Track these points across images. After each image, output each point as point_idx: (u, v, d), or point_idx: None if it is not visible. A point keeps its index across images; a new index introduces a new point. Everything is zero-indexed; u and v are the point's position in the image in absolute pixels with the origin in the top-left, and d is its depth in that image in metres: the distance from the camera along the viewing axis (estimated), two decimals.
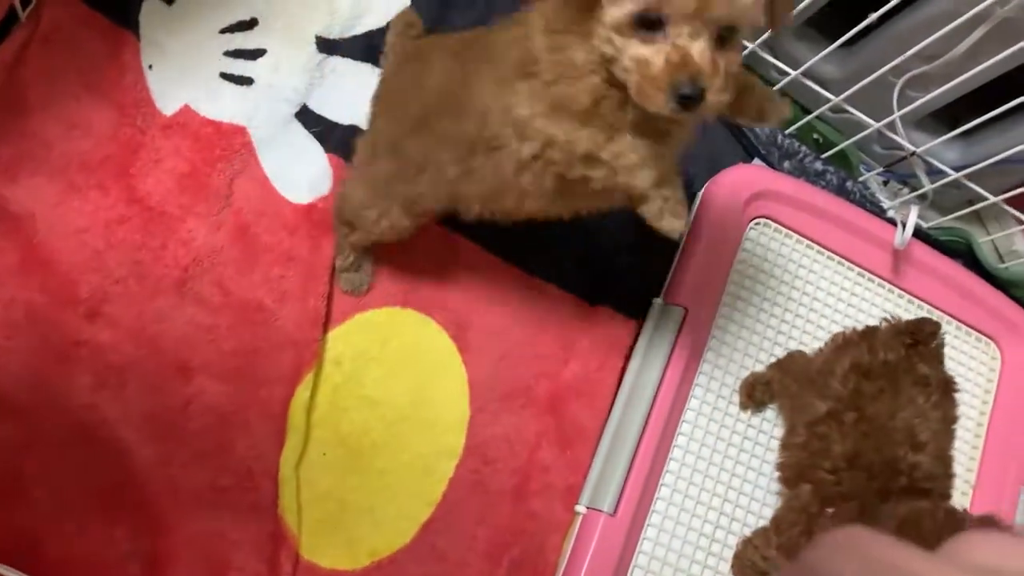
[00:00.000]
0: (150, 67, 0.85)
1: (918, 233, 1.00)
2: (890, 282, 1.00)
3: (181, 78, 0.86)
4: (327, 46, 0.91)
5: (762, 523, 0.87)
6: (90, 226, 0.80)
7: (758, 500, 0.89)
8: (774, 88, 1.02)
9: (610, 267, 0.95)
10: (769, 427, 0.92)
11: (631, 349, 0.93)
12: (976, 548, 0.25)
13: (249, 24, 0.90)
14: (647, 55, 0.56)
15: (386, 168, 0.76)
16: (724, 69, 0.57)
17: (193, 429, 0.78)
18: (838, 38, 0.93)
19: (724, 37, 0.56)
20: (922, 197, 1.06)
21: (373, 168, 0.78)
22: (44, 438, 0.75)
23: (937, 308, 1.01)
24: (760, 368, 0.93)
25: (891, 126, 0.99)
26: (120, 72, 0.84)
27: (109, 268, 0.79)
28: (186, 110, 0.85)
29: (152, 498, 0.75)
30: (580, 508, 0.86)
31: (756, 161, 1.03)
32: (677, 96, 0.55)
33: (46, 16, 0.83)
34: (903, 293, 1.01)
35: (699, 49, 0.55)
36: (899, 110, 0.97)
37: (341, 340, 0.85)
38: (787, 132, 1.05)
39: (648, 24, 0.55)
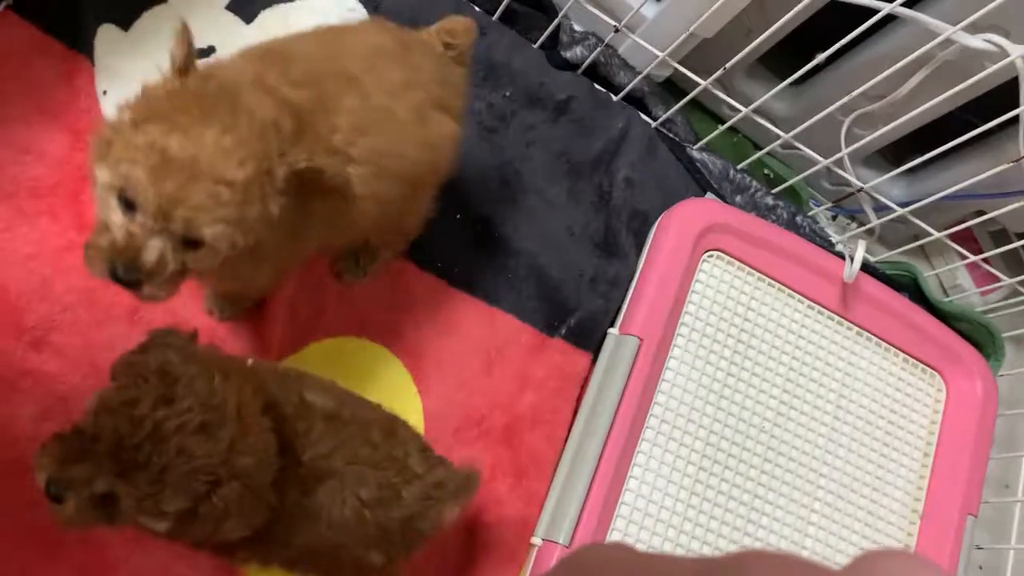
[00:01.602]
0: (104, 92, 0.84)
1: (866, 267, 1.03)
2: (839, 314, 1.03)
3: None
4: None
5: (717, 553, 0.88)
6: (38, 253, 0.78)
7: (713, 531, 0.90)
8: (725, 124, 1.04)
9: (566, 298, 0.96)
10: (724, 456, 0.93)
11: (587, 379, 0.94)
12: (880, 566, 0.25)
13: (206, 52, 0.89)
14: (113, 222, 0.57)
15: None
16: (174, 269, 0.58)
17: None
18: (788, 76, 0.96)
19: (191, 244, 0.57)
20: (869, 232, 1.09)
21: None
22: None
23: (884, 340, 1.04)
24: (714, 396, 0.94)
25: (839, 163, 1.01)
26: (73, 96, 0.83)
27: (57, 295, 0.77)
28: None
29: (97, 534, 0.73)
30: (536, 540, 0.86)
31: (709, 195, 1.05)
32: (111, 272, 0.57)
33: None
34: (851, 325, 1.03)
35: (154, 245, 0.56)
36: (847, 147, 1.00)
37: (295, 368, 0.84)
38: (739, 167, 1.08)
39: (126, 202, 0.56)
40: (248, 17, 0.93)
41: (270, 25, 0.93)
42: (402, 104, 0.68)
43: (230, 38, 0.91)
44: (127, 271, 0.56)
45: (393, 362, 0.89)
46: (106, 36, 0.86)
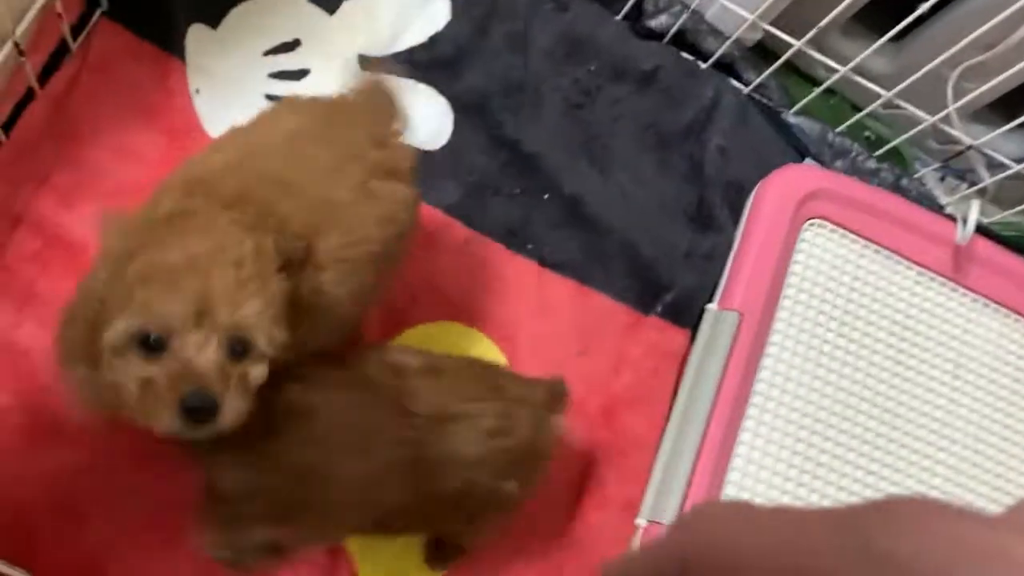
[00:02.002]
0: (197, 91, 0.86)
1: (979, 229, 0.97)
2: (953, 280, 0.97)
3: (228, 101, 0.87)
4: (369, 63, 0.91)
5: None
6: None
7: (827, 503, 0.86)
8: (821, 86, 1.00)
9: (660, 275, 0.93)
10: (834, 432, 0.89)
11: (685, 358, 0.91)
12: None
13: (292, 45, 0.91)
14: (150, 372, 0.51)
15: None
16: (239, 379, 0.52)
17: None
18: (887, 32, 0.91)
19: (237, 351, 0.52)
20: (982, 192, 1.03)
21: None
22: (102, 462, 0.75)
23: (1003, 305, 0.98)
24: (821, 370, 0.90)
25: (947, 119, 0.96)
26: (168, 97, 0.85)
27: None
28: None
29: None
30: (640, 521, 0.84)
31: (807, 161, 1.01)
32: (183, 410, 0.50)
33: (95, 46, 0.84)
34: (967, 291, 0.97)
35: (206, 358, 0.50)
36: (955, 102, 0.94)
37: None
38: (838, 131, 1.03)
39: (150, 345, 0.50)
40: (331, 8, 0.93)
41: (352, 15, 0.93)
42: (341, 188, 0.63)
43: (314, 31, 0.92)
44: (198, 396, 0.50)
45: (488, 346, 0.88)
46: (196, 36, 0.88)
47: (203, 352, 0.50)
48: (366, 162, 0.65)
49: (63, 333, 0.60)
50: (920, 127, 0.99)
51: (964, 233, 0.95)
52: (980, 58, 0.91)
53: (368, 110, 0.70)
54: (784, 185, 0.94)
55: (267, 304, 0.52)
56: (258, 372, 0.54)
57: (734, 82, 1.02)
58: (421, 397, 0.65)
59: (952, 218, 0.98)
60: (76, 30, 0.83)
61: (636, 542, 0.83)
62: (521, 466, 0.70)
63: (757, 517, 0.25)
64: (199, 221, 0.54)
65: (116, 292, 0.51)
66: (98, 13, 0.85)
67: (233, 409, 0.51)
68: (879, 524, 0.22)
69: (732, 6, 0.97)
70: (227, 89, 0.87)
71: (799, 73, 1.07)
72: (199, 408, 0.50)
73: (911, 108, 0.97)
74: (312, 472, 0.57)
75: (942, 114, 0.95)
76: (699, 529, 0.26)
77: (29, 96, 0.81)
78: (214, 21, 0.89)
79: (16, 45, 0.74)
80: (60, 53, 0.83)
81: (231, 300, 0.51)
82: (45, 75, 0.82)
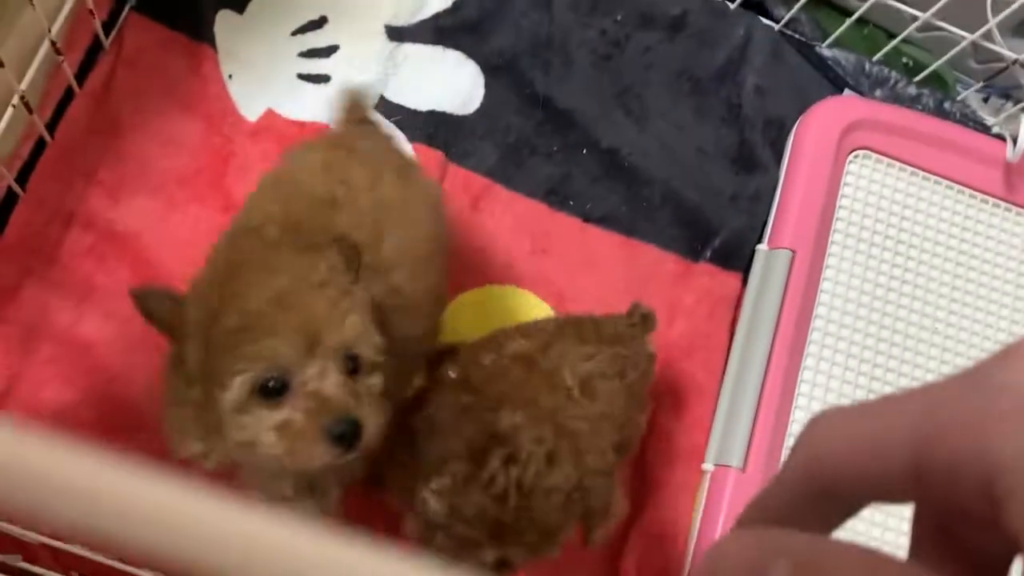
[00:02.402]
0: (230, 76, 0.87)
1: None
2: (1007, 200, 0.95)
3: (261, 84, 0.87)
4: (397, 34, 0.91)
5: None
6: (193, 237, 0.81)
7: None
8: (854, 16, 0.98)
9: (707, 220, 0.92)
10: (896, 363, 0.88)
11: (739, 301, 0.91)
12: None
13: (319, 23, 0.91)
14: (283, 416, 0.50)
15: None
16: (367, 394, 0.52)
17: None
18: None
19: (352, 368, 0.52)
20: None
21: None
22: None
23: None
24: (878, 302, 0.89)
25: (987, 36, 0.93)
26: (203, 85, 0.86)
27: None
28: (269, 114, 0.86)
29: None
30: (707, 466, 0.84)
31: (846, 92, 0.99)
32: (331, 440, 0.50)
33: (128, 41, 0.85)
34: (1021, 210, 0.95)
35: (332, 384, 0.50)
36: (995, 17, 0.91)
37: (446, 322, 0.85)
38: (874, 60, 1.01)
39: (270, 391, 0.50)
40: None
41: None
42: (385, 192, 0.65)
43: (339, 6, 0.92)
44: (341, 423, 0.50)
45: (540, 305, 0.88)
46: (224, 22, 0.89)
47: (326, 379, 0.50)
48: (394, 167, 0.67)
49: (170, 424, 0.58)
50: (960, 47, 0.96)
51: (1015, 151, 0.93)
52: None
53: (369, 131, 0.74)
54: (825, 118, 0.93)
55: (362, 315, 0.53)
56: (375, 382, 0.54)
57: (764, 20, 1.00)
58: (560, 373, 0.65)
59: (1000, 137, 0.96)
60: (107, 27, 0.84)
61: (704, 487, 0.83)
62: (638, 399, 0.74)
63: (871, 406, 0.24)
64: (265, 260, 0.54)
65: (215, 357, 0.51)
66: (127, 8, 0.86)
67: (374, 424, 0.52)
68: (998, 362, 0.22)
69: None
70: (259, 72, 0.88)
71: (830, 5, 1.04)
72: (345, 433, 0.50)
73: (949, 28, 0.95)
74: (519, 487, 0.56)
75: (983, 30, 0.92)
76: (818, 439, 0.25)
77: (69, 95, 0.82)
78: (240, 6, 0.90)
79: (53, 44, 0.75)
80: (94, 51, 0.84)
81: (331, 322, 0.51)
82: (82, 73, 0.83)
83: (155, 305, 0.53)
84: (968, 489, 0.20)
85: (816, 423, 0.25)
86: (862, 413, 0.24)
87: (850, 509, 0.24)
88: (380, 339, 0.54)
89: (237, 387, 0.50)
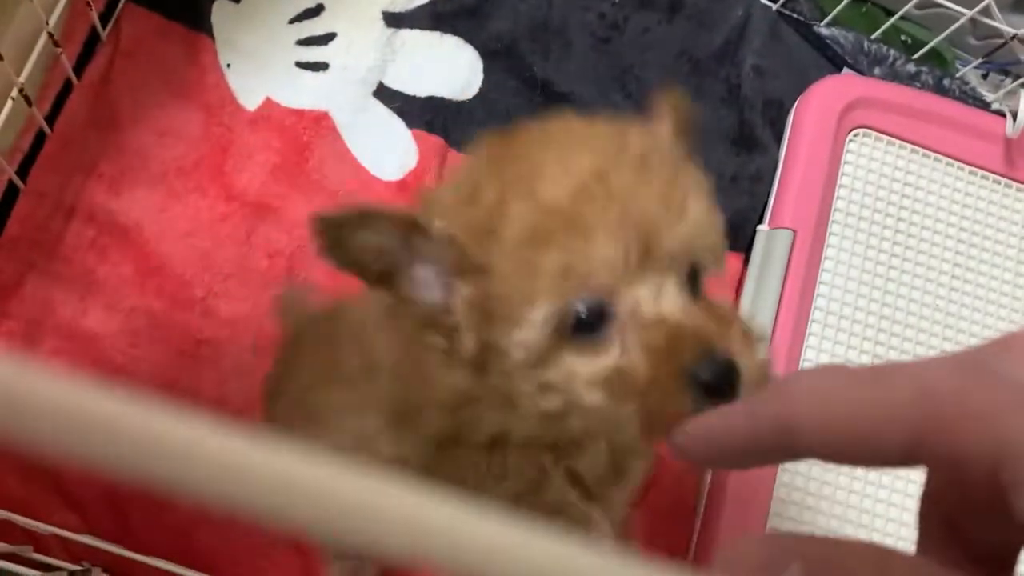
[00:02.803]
0: (228, 66, 0.87)
1: None
2: (1007, 176, 0.95)
3: (259, 72, 0.87)
4: (394, 20, 0.91)
5: None
6: (195, 228, 0.81)
7: None
8: None
9: None
10: (899, 341, 0.88)
11: (742, 281, 0.91)
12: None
13: (316, 11, 0.90)
14: (615, 362, 0.34)
15: None
16: (726, 318, 0.35)
17: None
18: None
19: (693, 285, 0.36)
20: None
21: None
22: None
23: None
24: (880, 280, 0.89)
25: (986, 11, 0.93)
26: (201, 75, 0.85)
27: (219, 266, 0.81)
28: (268, 103, 0.86)
29: None
30: None
31: (845, 71, 0.99)
32: (702, 388, 0.32)
33: (125, 32, 0.85)
34: (1022, 185, 0.95)
35: (678, 308, 0.34)
36: None
37: None
38: (872, 38, 1.01)
39: (584, 326, 0.33)
40: None
41: None
42: None
43: None
44: (711, 364, 0.32)
45: None
46: (221, 11, 0.88)
47: (668, 301, 0.34)
48: None
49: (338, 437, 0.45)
50: (958, 23, 0.96)
51: (1015, 127, 0.92)
52: None
53: None
54: (824, 97, 0.93)
55: (705, 200, 0.36)
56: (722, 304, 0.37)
57: (762, 0, 1.00)
58: None
59: (1000, 114, 0.96)
60: (104, 18, 0.84)
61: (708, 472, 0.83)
62: None
63: (862, 372, 0.24)
64: (556, 132, 0.37)
65: (494, 284, 0.34)
66: (123, 0, 0.85)
67: (755, 364, 0.34)
68: (999, 352, 0.22)
69: None
70: (257, 61, 0.87)
71: None
72: (720, 380, 0.32)
73: (947, 4, 0.95)
74: None
75: (980, 6, 0.92)
76: (799, 392, 0.25)
77: (67, 87, 0.82)
78: None
79: (51, 36, 0.74)
80: (92, 42, 0.84)
81: (667, 215, 0.34)
82: (80, 65, 0.83)
83: (372, 237, 0.34)
84: (975, 479, 0.20)
85: (797, 380, 0.25)
86: (852, 381, 0.24)
87: (804, 457, 0.24)
88: (721, 237, 0.38)
89: (535, 326, 0.33)
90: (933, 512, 0.25)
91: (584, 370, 0.34)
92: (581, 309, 0.33)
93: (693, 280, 0.36)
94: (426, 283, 0.35)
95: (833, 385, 0.24)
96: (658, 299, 0.34)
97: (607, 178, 0.33)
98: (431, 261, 0.35)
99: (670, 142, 0.40)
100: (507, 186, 0.34)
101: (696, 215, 0.35)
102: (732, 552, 0.23)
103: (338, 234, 0.33)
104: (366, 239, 0.34)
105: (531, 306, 0.33)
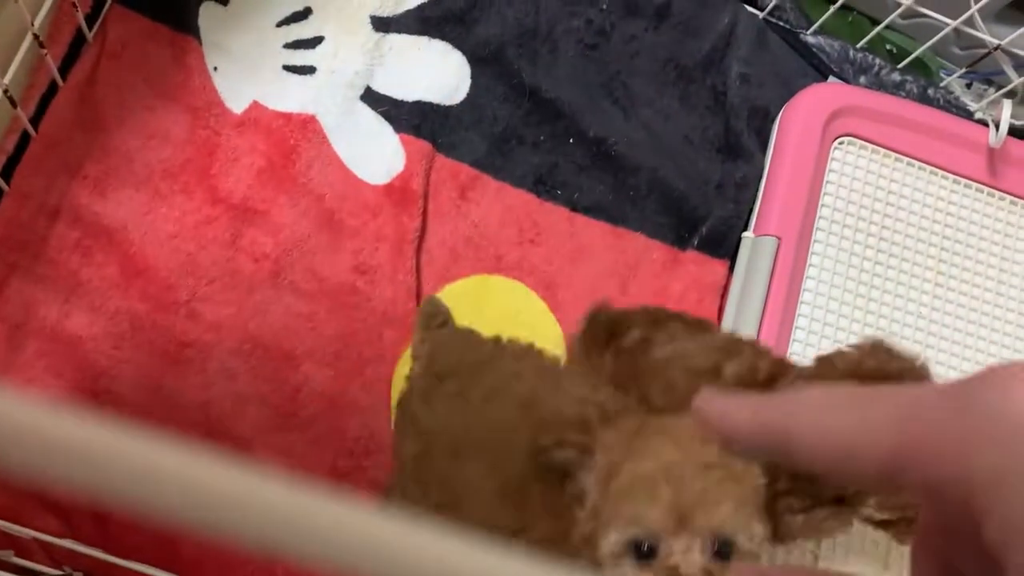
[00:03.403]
0: (215, 69, 0.86)
1: (1013, 131, 0.96)
2: (989, 185, 0.96)
3: (246, 75, 0.87)
4: (382, 24, 0.91)
5: None
6: (180, 231, 0.81)
7: None
8: (837, 2, 0.98)
9: (694, 208, 0.93)
10: None
11: (727, 288, 0.91)
12: None
13: (303, 14, 0.90)
14: None
15: None
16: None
17: (305, 416, 0.79)
18: None
19: (723, 552, 0.53)
20: (1011, 93, 1.01)
21: None
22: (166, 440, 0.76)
23: None
24: (864, 287, 0.90)
25: (969, 22, 0.94)
26: (188, 77, 0.85)
27: (204, 269, 0.80)
28: (255, 106, 0.86)
29: None
30: None
31: (831, 79, 1.00)
32: None
33: (112, 34, 0.84)
34: (1004, 195, 0.96)
35: (691, 562, 0.52)
36: (976, 3, 0.92)
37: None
38: (858, 47, 1.01)
39: (643, 552, 0.53)
40: None
41: None
42: None
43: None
44: None
45: (529, 295, 0.89)
46: (208, 14, 0.88)
47: (688, 556, 0.52)
48: None
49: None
50: (942, 33, 0.97)
51: (997, 136, 0.93)
52: None
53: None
54: (809, 105, 0.93)
55: (740, 503, 0.53)
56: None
57: (749, 8, 1.01)
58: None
59: (983, 123, 0.97)
60: (91, 20, 0.83)
61: None
62: None
63: (860, 393, 0.25)
64: (666, 428, 0.55)
65: (607, 505, 0.54)
66: (110, 1, 0.85)
67: None
68: (979, 384, 0.22)
69: None
70: (244, 64, 0.87)
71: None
72: None
73: (931, 13, 0.96)
74: None
75: (964, 16, 0.93)
76: (802, 402, 0.25)
77: (53, 89, 0.81)
78: None
79: (36, 37, 0.74)
80: (78, 44, 0.83)
81: (704, 504, 0.52)
82: (66, 67, 0.82)
83: (563, 446, 0.56)
84: (953, 510, 0.21)
85: (807, 390, 0.25)
86: (848, 400, 0.24)
87: (801, 467, 0.25)
88: (763, 529, 0.54)
89: (613, 541, 0.53)
90: (924, 548, 0.26)
91: (631, 574, 0.53)
92: (640, 541, 0.52)
93: (723, 550, 0.52)
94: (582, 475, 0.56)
95: (832, 401, 0.25)
96: (684, 553, 0.51)
97: (678, 470, 0.52)
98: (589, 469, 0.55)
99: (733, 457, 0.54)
100: (630, 451, 0.54)
101: (724, 510, 0.52)
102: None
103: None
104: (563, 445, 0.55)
105: (613, 531, 0.53)
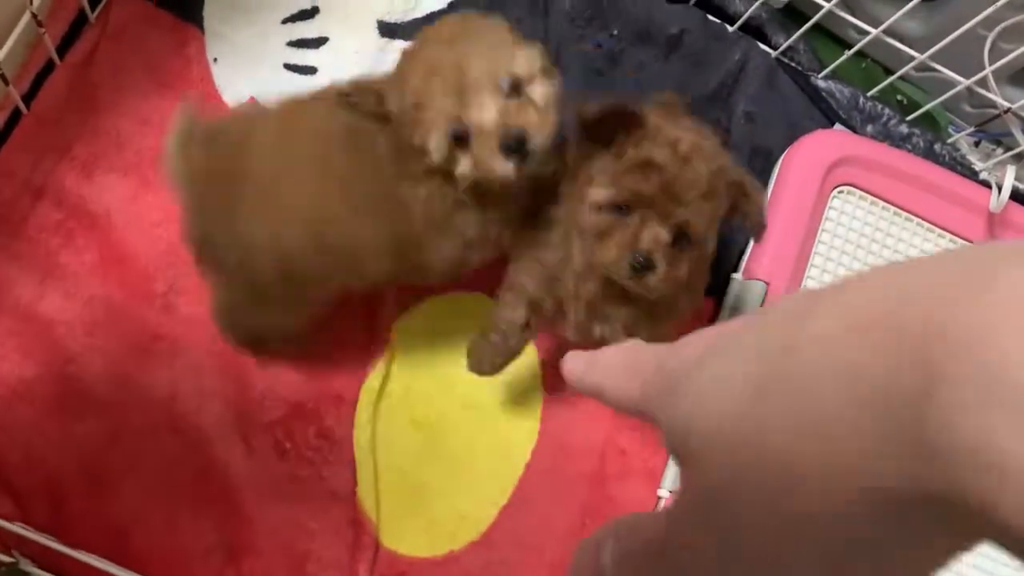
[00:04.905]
0: (215, 60, 0.86)
1: (1015, 195, 0.94)
2: None
3: (246, 70, 0.86)
4: (388, 30, 0.90)
5: None
6: (164, 220, 0.80)
7: None
8: (852, 49, 0.97)
9: None
10: None
11: (712, 324, 0.90)
12: None
13: (310, 13, 0.89)
14: (472, 151, 0.62)
15: None
16: (531, 106, 0.62)
17: (269, 420, 0.78)
18: None
19: (515, 86, 0.62)
20: (1018, 157, 1.00)
21: None
22: (129, 432, 0.76)
23: None
24: None
25: (982, 82, 0.92)
26: (186, 66, 0.84)
27: (184, 261, 0.79)
28: (252, 102, 0.85)
29: (233, 489, 0.76)
30: (663, 492, 0.83)
31: (837, 126, 0.98)
32: (505, 152, 0.61)
33: (114, 16, 0.84)
34: None
35: (487, 116, 0.60)
36: (991, 64, 0.91)
37: (412, 325, 0.84)
38: (869, 95, 1.00)
39: (461, 139, 0.62)
40: None
41: None
42: None
43: None
44: (507, 137, 0.60)
45: None
46: (214, 4, 0.87)
47: (484, 113, 0.60)
48: None
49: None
50: (954, 90, 0.95)
51: (999, 200, 0.92)
52: (1018, 18, 0.87)
53: None
54: (813, 151, 0.92)
55: (505, 42, 0.63)
56: (541, 91, 0.63)
57: (762, 45, 0.99)
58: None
59: (987, 184, 0.95)
60: (94, 1, 0.83)
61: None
62: None
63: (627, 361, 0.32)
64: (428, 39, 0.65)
65: (415, 113, 0.62)
66: None
67: (538, 131, 0.61)
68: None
69: None
70: (245, 58, 0.86)
71: (829, 35, 1.04)
72: (511, 145, 0.60)
73: (945, 71, 0.94)
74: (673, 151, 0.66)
75: (978, 76, 0.92)
76: (601, 362, 0.33)
77: (49, 67, 0.81)
78: None
79: (34, 16, 0.73)
80: (79, 23, 0.83)
81: (475, 61, 0.60)
82: (64, 46, 0.82)
83: (362, 99, 0.64)
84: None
85: (604, 352, 0.34)
86: (619, 371, 0.32)
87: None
88: (534, 51, 0.64)
89: (435, 149, 0.62)
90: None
91: (463, 158, 0.63)
92: (451, 135, 0.62)
93: (516, 82, 0.62)
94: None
95: (615, 368, 0.31)
96: (479, 114, 0.61)
97: (441, 62, 0.61)
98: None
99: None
100: (401, 81, 0.63)
101: (494, 54, 0.62)
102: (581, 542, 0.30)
103: (349, 100, 0.64)
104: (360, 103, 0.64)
105: (429, 140, 0.62)
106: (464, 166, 0.63)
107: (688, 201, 0.64)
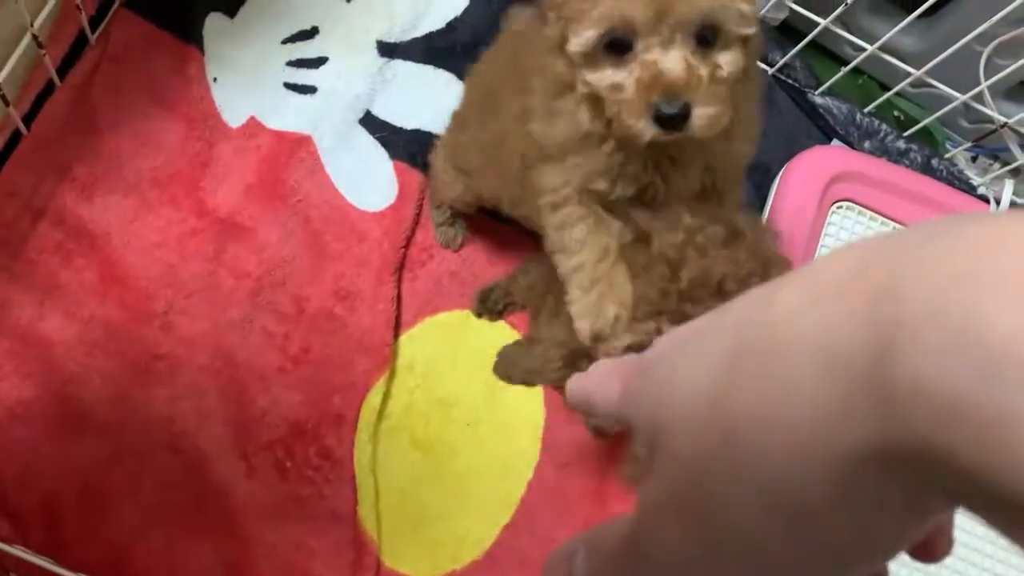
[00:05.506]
0: (215, 80, 0.86)
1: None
2: None
3: (246, 90, 0.86)
4: (388, 50, 0.91)
5: None
6: (164, 241, 0.81)
7: None
8: (848, 65, 0.97)
9: None
10: None
11: None
12: None
13: (310, 33, 0.90)
14: (619, 79, 0.51)
15: (453, 139, 0.76)
16: (709, 76, 0.50)
17: (269, 440, 0.78)
18: (916, 9, 0.88)
19: (708, 40, 0.50)
20: (1015, 171, 1.00)
21: (449, 136, 0.78)
22: (128, 452, 0.76)
23: None
24: None
25: (979, 97, 0.93)
26: (186, 86, 0.85)
27: (183, 281, 0.80)
28: (252, 122, 0.85)
29: (233, 509, 0.75)
30: None
31: (835, 142, 0.99)
32: (656, 118, 0.50)
33: (114, 37, 0.84)
34: None
35: (672, 60, 0.49)
36: (987, 80, 0.91)
37: (412, 344, 0.84)
38: (866, 111, 1.01)
39: (617, 47, 0.50)
40: None
41: (370, 1, 0.92)
42: None
43: (332, 18, 0.91)
44: (669, 105, 0.49)
45: (509, 334, 0.87)
46: (214, 25, 0.88)
47: (669, 53, 0.49)
48: None
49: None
50: (951, 105, 0.96)
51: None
52: (1013, 33, 0.88)
53: None
54: (811, 167, 0.92)
55: None
56: (729, 59, 0.51)
57: (759, 63, 1.00)
58: None
59: (984, 199, 0.96)
60: (95, 21, 0.83)
61: None
62: None
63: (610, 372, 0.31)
64: None
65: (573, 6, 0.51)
66: (116, 4, 0.85)
67: (704, 116, 0.50)
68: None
69: None
70: (245, 78, 0.87)
71: (825, 52, 1.04)
72: (671, 116, 0.50)
73: (941, 86, 0.95)
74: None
75: (974, 92, 0.92)
76: (591, 384, 0.32)
77: (50, 88, 0.81)
78: (231, 10, 0.89)
79: (35, 37, 0.74)
80: (80, 44, 0.83)
81: None
82: (65, 67, 0.82)
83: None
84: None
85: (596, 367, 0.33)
86: (604, 381, 0.31)
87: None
88: (748, 7, 0.50)
89: (584, 39, 0.50)
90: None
91: (607, 77, 0.51)
92: (612, 36, 0.50)
93: (712, 37, 0.50)
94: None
95: (599, 379, 0.31)
96: (662, 49, 0.49)
97: None
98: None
99: None
100: None
101: None
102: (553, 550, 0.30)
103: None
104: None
105: (585, 29, 0.50)
106: (595, 84, 0.52)
107: None
